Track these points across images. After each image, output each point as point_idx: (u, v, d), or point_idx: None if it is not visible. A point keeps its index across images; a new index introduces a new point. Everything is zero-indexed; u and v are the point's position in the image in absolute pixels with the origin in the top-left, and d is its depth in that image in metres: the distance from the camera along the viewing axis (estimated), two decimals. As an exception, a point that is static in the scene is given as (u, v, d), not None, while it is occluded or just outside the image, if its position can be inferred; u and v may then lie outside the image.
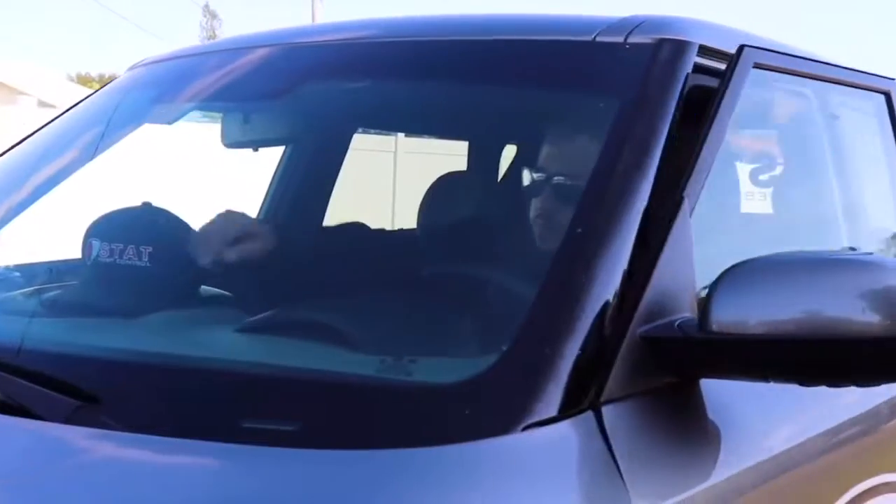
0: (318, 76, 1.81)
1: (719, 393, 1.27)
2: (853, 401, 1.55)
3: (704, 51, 1.59)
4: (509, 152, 2.11)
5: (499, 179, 2.09)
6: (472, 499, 0.95)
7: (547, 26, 1.70)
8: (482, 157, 2.24)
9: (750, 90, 1.57)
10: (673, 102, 1.46)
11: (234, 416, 1.08)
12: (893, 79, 2.15)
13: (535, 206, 1.54)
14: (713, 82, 1.65)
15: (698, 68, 1.57)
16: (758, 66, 1.55)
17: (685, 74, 1.51)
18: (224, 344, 1.28)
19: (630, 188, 1.29)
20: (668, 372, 1.20)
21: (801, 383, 1.17)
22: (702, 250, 1.30)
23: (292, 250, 1.52)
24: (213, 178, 3.98)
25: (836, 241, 1.98)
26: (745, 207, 2.25)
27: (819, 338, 1.11)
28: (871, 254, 1.38)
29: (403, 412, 1.06)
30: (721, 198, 1.94)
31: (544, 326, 1.12)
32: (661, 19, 1.64)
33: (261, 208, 2.30)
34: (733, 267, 1.17)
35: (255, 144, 1.91)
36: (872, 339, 1.10)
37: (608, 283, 1.18)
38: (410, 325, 1.30)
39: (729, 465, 1.24)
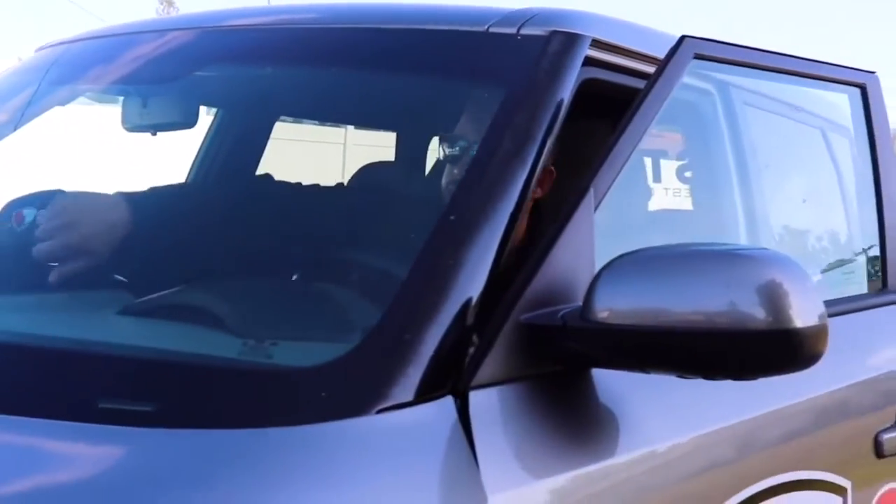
0: (221, 61, 1.81)
1: (616, 383, 1.28)
2: (763, 396, 1.53)
3: (598, 44, 1.60)
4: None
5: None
6: (310, 477, 0.95)
7: (442, 16, 1.70)
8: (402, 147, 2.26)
9: (683, 83, 1.58)
10: (562, 94, 1.47)
11: (91, 396, 1.08)
12: (861, 70, 2.13)
13: (422, 193, 1.55)
14: (607, 75, 1.69)
15: (591, 61, 1.59)
16: (699, 56, 1.54)
17: (576, 67, 1.52)
18: (89, 326, 1.28)
19: (508, 178, 1.30)
20: (550, 360, 1.21)
21: (680, 375, 1.18)
22: (610, 243, 1.30)
23: (170, 234, 1.51)
24: (113, 160, 3.95)
25: (750, 236, 1.98)
26: (666, 203, 2.28)
27: (698, 330, 1.11)
28: (764, 248, 1.39)
29: (259, 394, 1.06)
30: (637, 192, 1.97)
31: (407, 312, 1.13)
32: (555, 12, 1.65)
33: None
34: (617, 258, 1.17)
35: (154, 129, 1.90)
36: (752, 332, 1.11)
37: (479, 271, 1.19)
38: (276, 309, 1.31)
39: (600, 455, 1.24)
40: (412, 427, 1.06)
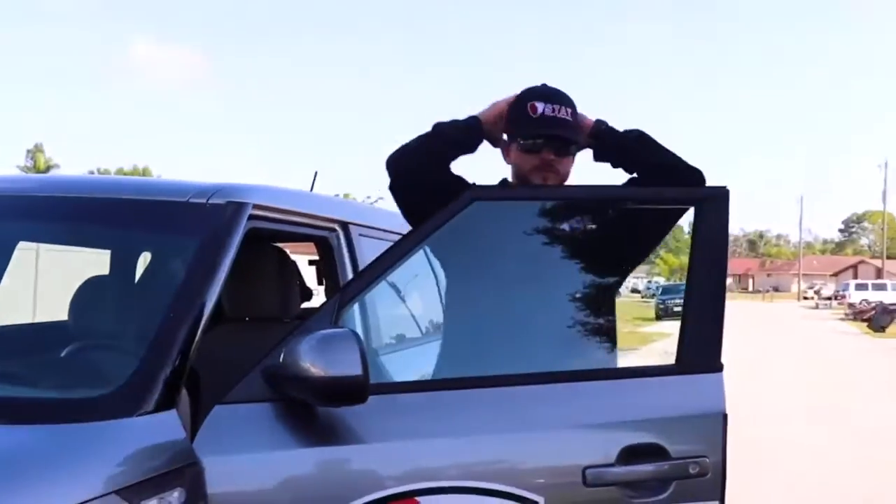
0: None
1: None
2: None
3: (257, 207, 2.65)
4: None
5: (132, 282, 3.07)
6: (99, 447, 1.91)
7: (160, 189, 2.72)
8: (120, 267, 3.21)
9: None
10: (234, 240, 2.48)
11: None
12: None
13: (149, 301, 2.52)
14: (267, 225, 2.75)
15: (255, 217, 2.64)
16: (477, 198, 2.37)
17: (242, 223, 2.52)
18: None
19: (200, 290, 2.29)
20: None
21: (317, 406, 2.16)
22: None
23: None
24: None
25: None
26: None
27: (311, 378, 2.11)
28: (340, 328, 2.17)
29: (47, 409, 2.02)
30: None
31: (149, 367, 2.11)
32: (231, 187, 2.70)
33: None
34: (292, 333, 2.17)
35: None
36: (326, 378, 2.04)
37: (181, 345, 2.17)
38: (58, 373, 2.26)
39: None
40: (155, 422, 2.03)
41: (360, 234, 3.27)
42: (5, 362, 2.51)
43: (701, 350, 2.36)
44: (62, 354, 2.42)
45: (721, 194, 2.45)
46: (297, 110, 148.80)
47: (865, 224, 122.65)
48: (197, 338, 2.21)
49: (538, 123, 2.59)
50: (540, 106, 2.59)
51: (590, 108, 2.68)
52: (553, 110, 2.59)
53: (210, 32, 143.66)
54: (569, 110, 2.61)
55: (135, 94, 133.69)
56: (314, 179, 4.53)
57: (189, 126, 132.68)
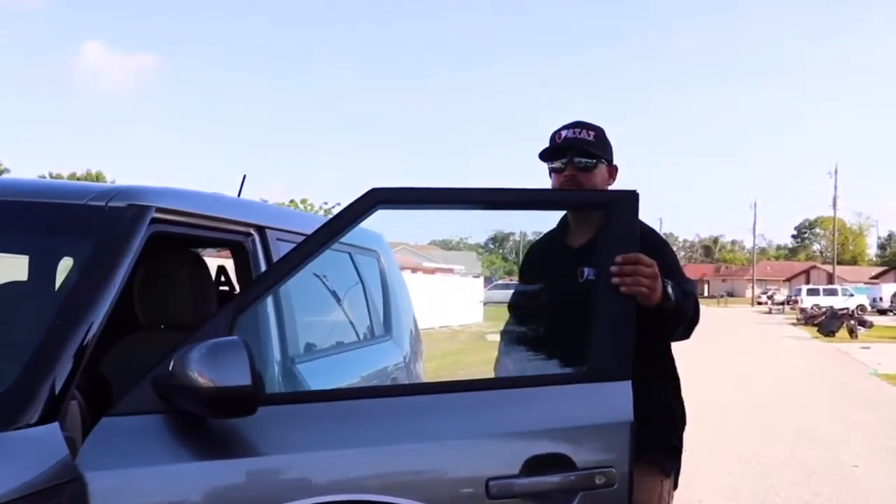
0: None
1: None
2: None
3: (162, 210, 2.56)
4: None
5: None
6: None
7: (59, 191, 2.61)
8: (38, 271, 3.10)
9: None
10: (134, 244, 2.39)
11: None
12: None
13: (39, 308, 2.42)
14: (174, 230, 2.65)
15: (159, 221, 2.54)
16: (381, 201, 2.31)
17: (144, 226, 2.43)
18: None
19: (89, 302, 2.19)
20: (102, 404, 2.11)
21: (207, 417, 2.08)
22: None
23: None
24: None
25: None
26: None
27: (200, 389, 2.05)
28: (231, 337, 2.06)
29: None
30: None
31: (34, 376, 2.00)
32: (131, 189, 2.60)
33: None
34: (183, 345, 2.08)
35: None
36: (215, 389, 1.97)
37: (74, 351, 2.07)
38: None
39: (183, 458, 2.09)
40: (33, 436, 1.93)
41: (279, 239, 3.18)
42: None
43: (609, 358, 2.31)
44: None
45: (630, 197, 2.42)
46: (254, 115, 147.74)
47: (817, 230, 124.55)
48: (89, 347, 2.11)
49: (561, 146, 2.84)
50: (564, 132, 2.86)
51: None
52: (574, 133, 2.84)
53: (165, 37, 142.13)
54: (591, 133, 2.85)
55: (88, 98, 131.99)
56: (242, 183, 4.43)
57: (144, 131, 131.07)
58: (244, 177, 4.50)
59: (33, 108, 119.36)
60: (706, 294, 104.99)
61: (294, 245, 3.29)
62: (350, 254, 3.93)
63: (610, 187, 2.88)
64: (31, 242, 2.70)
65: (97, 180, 57.34)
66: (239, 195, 4.12)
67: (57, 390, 2.01)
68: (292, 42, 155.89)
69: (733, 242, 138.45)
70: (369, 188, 2.31)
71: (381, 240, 4.50)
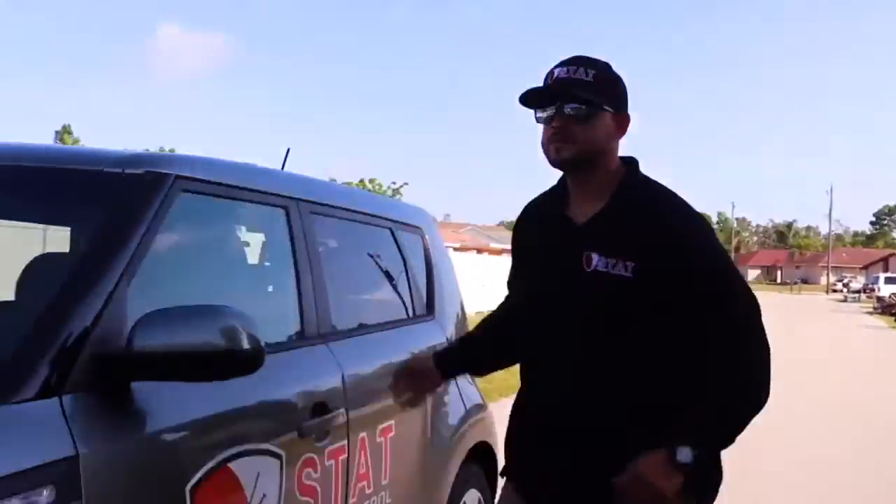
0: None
1: (155, 391, 2.08)
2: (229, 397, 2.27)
3: (182, 178, 2.43)
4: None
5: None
6: None
7: (78, 157, 2.50)
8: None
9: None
10: (151, 211, 2.27)
11: None
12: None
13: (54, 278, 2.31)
14: (193, 198, 2.51)
15: (185, 190, 2.41)
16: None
17: (161, 195, 2.31)
18: None
19: (99, 272, 2.08)
20: (112, 377, 2.00)
21: (187, 381, 2.02)
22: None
23: None
24: None
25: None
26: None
27: (192, 353, 1.97)
28: (228, 307, 2.07)
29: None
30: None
31: (28, 350, 1.90)
32: (150, 156, 2.50)
33: None
34: (147, 314, 2.00)
35: None
36: (219, 352, 1.98)
37: (64, 327, 1.94)
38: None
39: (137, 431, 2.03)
40: (41, 409, 1.83)
41: (312, 212, 3.05)
42: None
43: None
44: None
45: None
46: (326, 96, 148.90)
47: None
48: (101, 318, 2.01)
49: (551, 89, 2.16)
50: (557, 70, 2.18)
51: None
52: (569, 72, 2.16)
53: (238, 18, 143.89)
54: (591, 71, 2.15)
55: (163, 78, 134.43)
56: (286, 157, 4.32)
57: (218, 109, 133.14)
58: (288, 150, 4.38)
59: (111, 88, 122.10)
60: (779, 280, 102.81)
61: (331, 220, 3.22)
62: (391, 229, 3.78)
63: (619, 143, 2.25)
64: (44, 209, 2.60)
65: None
66: (283, 168, 4.01)
67: (59, 364, 1.90)
68: (367, 23, 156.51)
69: (808, 228, 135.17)
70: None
71: (426, 215, 4.33)
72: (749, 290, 2.17)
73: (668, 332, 2.12)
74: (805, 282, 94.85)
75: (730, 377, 2.04)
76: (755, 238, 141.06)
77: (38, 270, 2.62)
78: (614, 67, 2.25)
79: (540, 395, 2.28)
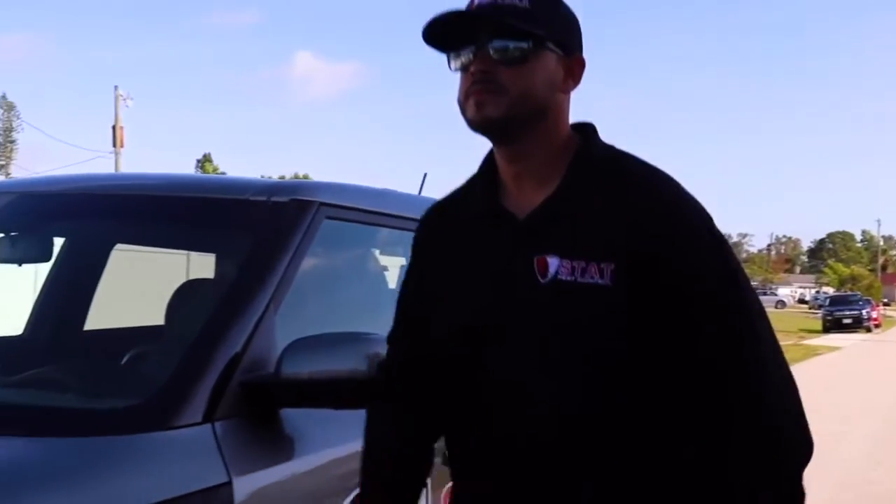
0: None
1: (301, 418, 2.09)
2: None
3: (323, 205, 2.45)
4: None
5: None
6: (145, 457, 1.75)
7: (222, 187, 2.57)
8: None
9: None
10: (297, 238, 2.30)
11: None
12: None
13: (201, 306, 2.36)
14: (337, 225, 2.53)
15: (328, 217, 2.43)
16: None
17: (308, 221, 2.33)
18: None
19: (248, 299, 2.12)
20: (261, 404, 2.02)
21: (333, 408, 2.02)
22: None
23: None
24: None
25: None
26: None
27: (338, 380, 1.96)
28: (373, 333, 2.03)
29: (90, 421, 1.85)
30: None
31: (183, 377, 1.94)
32: (295, 184, 2.55)
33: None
34: (294, 341, 2.01)
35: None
36: (365, 379, 1.96)
37: (217, 355, 1.98)
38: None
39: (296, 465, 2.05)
40: (196, 435, 1.86)
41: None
42: (53, 367, 2.40)
43: None
44: (119, 361, 2.30)
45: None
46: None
47: None
48: (250, 344, 2.04)
49: (470, 20, 1.44)
50: None
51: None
52: None
53: (369, 46, 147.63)
54: None
55: (296, 106, 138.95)
56: (423, 182, 4.34)
57: (348, 137, 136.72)
58: (425, 175, 4.41)
59: (247, 116, 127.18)
60: None
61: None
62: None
63: (570, 100, 1.52)
64: (191, 237, 2.68)
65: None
66: (419, 193, 4.02)
67: (212, 390, 1.94)
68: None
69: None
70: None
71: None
72: (782, 357, 1.41)
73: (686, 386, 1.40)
74: None
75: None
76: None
77: (187, 296, 2.69)
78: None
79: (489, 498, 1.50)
